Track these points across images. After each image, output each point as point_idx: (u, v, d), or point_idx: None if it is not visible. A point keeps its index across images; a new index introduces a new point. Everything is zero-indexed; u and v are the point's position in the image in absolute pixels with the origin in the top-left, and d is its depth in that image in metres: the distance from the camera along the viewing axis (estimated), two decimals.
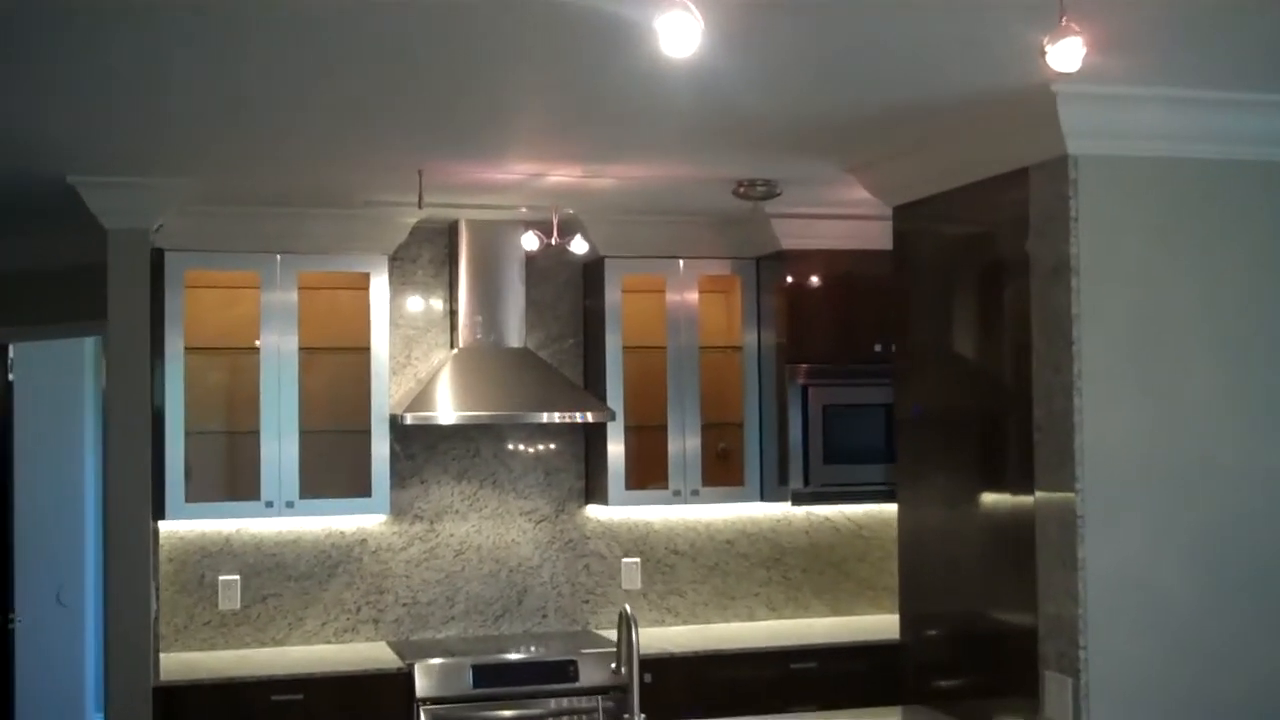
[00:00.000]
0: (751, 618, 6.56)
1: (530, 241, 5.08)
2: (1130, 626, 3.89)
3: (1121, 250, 3.94)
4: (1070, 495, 3.88)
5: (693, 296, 6.22)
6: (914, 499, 4.79)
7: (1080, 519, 3.86)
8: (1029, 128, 4.00)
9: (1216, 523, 3.99)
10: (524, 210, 5.22)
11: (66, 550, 7.81)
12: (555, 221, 5.12)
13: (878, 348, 6.06)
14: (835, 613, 6.65)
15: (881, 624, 6.41)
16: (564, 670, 5.64)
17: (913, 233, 4.81)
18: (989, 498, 4.36)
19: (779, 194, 5.22)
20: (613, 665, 4.07)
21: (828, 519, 6.66)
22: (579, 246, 5.18)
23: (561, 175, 4.98)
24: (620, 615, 3.98)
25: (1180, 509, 3.96)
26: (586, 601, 6.37)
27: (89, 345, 7.56)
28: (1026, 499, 4.08)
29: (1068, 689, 3.87)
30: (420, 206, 4.92)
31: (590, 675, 5.64)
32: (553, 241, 5.10)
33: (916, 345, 4.81)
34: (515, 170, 4.90)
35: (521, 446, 6.32)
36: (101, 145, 4.53)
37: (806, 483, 6.02)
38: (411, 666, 5.51)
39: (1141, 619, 3.90)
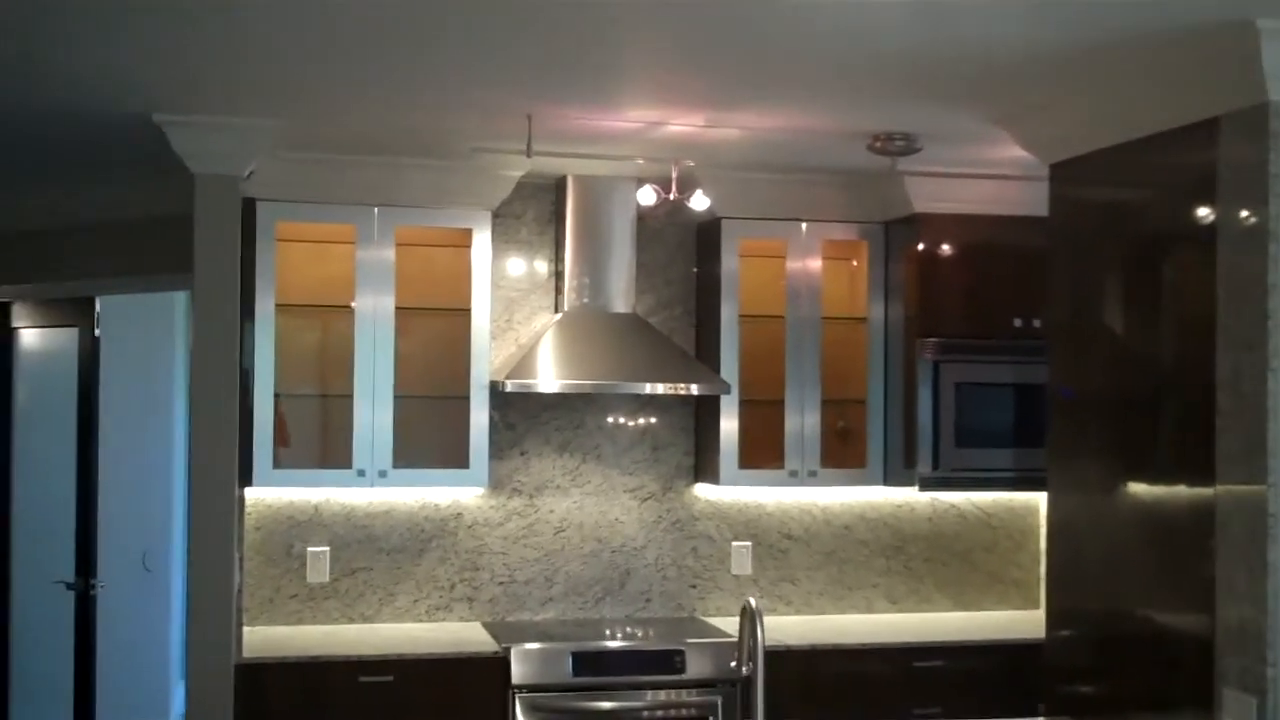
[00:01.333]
0: (869, 609, 6.12)
1: (647, 196, 4.66)
2: None
3: None
4: (1260, 489, 3.41)
5: (815, 263, 5.78)
6: (1066, 487, 4.33)
7: (1272, 517, 3.39)
8: (1222, 70, 3.52)
9: None
10: (640, 162, 4.80)
11: (154, 515, 7.58)
12: (675, 175, 4.69)
13: (1017, 322, 5.61)
14: (960, 607, 6.19)
15: (1011, 621, 5.97)
16: (670, 661, 5.24)
17: (1072, 194, 4.34)
18: (1156, 489, 3.89)
19: (919, 149, 4.76)
20: (733, 662, 3.66)
21: (953, 506, 6.19)
22: (699, 202, 4.76)
23: (681, 124, 4.56)
24: (744, 608, 3.57)
25: None
26: (693, 586, 5.97)
27: (180, 300, 7.29)
28: (1204, 491, 3.61)
29: (1251, 711, 3.40)
30: (529, 155, 4.53)
31: (698, 667, 5.24)
32: (671, 196, 4.68)
33: (1073, 319, 4.34)
34: (631, 117, 4.49)
35: (627, 419, 5.93)
36: (189, 81, 4.18)
37: (935, 466, 5.56)
38: (508, 651, 5.15)
39: None
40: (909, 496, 6.09)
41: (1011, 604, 6.23)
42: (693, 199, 4.74)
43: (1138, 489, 3.95)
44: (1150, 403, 3.92)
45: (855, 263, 6.05)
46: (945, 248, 5.61)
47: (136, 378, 7.18)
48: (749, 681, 3.52)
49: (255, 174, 5.08)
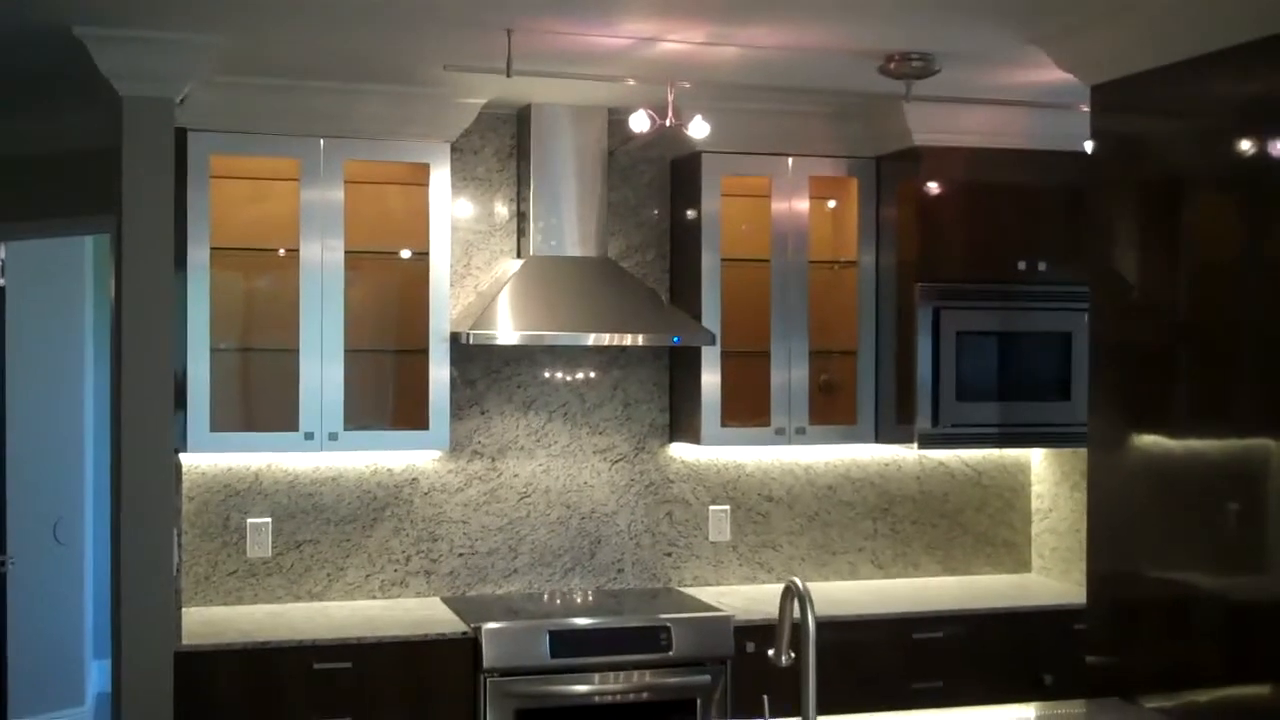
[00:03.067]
0: (854, 576, 5.70)
1: (640, 121, 4.15)
2: None
3: None
4: None
5: (802, 202, 5.31)
6: (1112, 444, 3.90)
7: None
8: None
9: None
10: (631, 82, 4.29)
11: (64, 482, 6.93)
12: (671, 98, 4.18)
13: (1021, 265, 5.20)
14: (948, 571, 5.80)
15: (1007, 586, 5.61)
16: (655, 639, 4.77)
17: (1119, 120, 3.90)
18: (1228, 444, 3.47)
19: (937, 70, 4.31)
20: (770, 651, 3.20)
21: (942, 464, 5.79)
22: (699, 129, 4.25)
23: (677, 40, 4.06)
24: (786, 589, 3.11)
25: None
26: (669, 555, 5.51)
27: (88, 245, 6.63)
28: None
29: None
30: (509, 75, 3.99)
31: (685, 645, 4.78)
32: (668, 122, 4.17)
33: (1120, 259, 3.90)
34: (625, 31, 3.98)
35: (598, 374, 5.43)
36: None
37: (935, 423, 5.14)
38: (478, 630, 4.65)
39: None
40: (897, 454, 5.68)
41: (1003, 567, 5.85)
42: (691, 125, 4.23)
43: (1207, 445, 3.53)
44: (1219, 353, 3.50)
45: (833, 202, 5.59)
46: (946, 184, 5.16)
47: (43, 333, 6.53)
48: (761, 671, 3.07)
49: (187, 100, 4.49)
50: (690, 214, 5.29)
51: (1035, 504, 5.86)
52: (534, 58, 4.20)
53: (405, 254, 5.07)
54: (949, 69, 4.37)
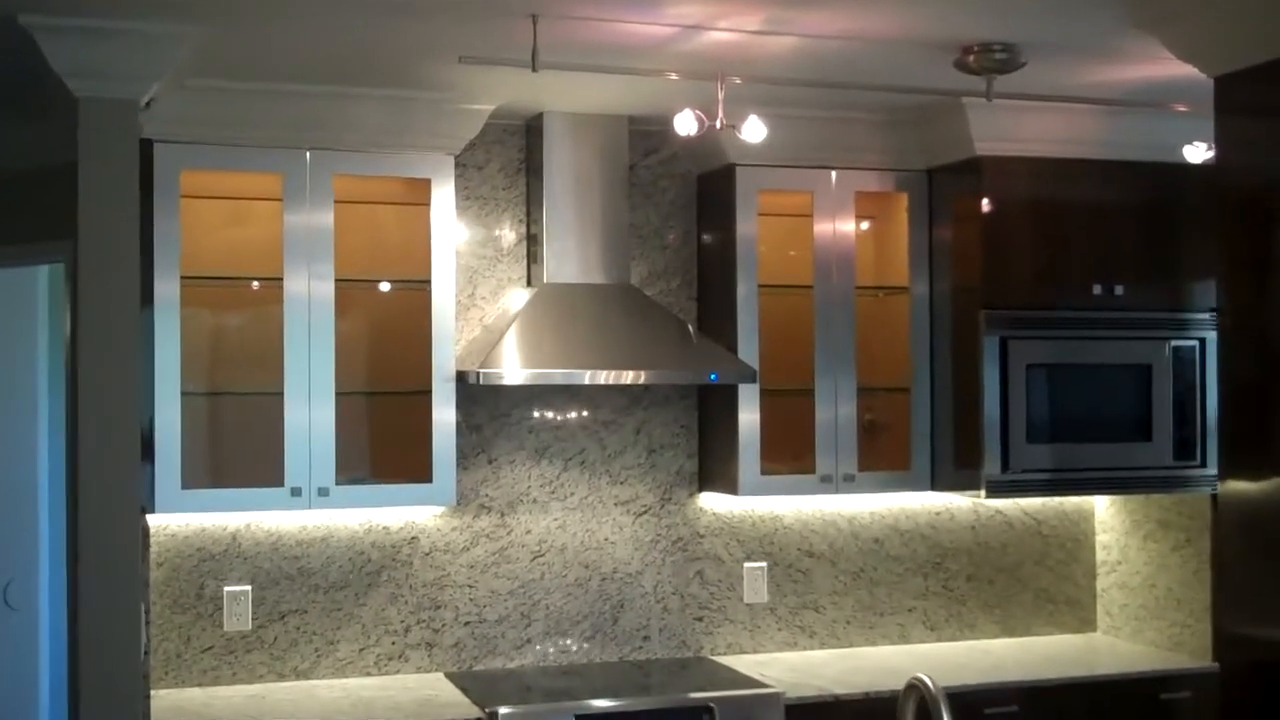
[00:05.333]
0: (905, 639, 5.09)
1: (687, 123, 3.55)
2: None
3: None
4: None
5: (848, 220, 4.73)
6: (1245, 491, 3.32)
7: None
8: None
9: None
10: (674, 76, 3.69)
11: (16, 540, 6.26)
12: (721, 95, 3.59)
13: (1096, 289, 4.63)
14: (1006, 632, 5.20)
15: (1072, 649, 5.07)
16: None
17: (1249, 116, 3.33)
18: None
19: (1023, 64, 3.74)
20: None
21: (999, 512, 5.20)
22: (754, 131, 3.66)
23: (729, 28, 3.48)
24: (909, 687, 2.51)
25: None
26: (700, 619, 4.89)
27: (42, 276, 5.96)
28: None
29: None
30: (534, 68, 3.40)
31: None
32: (719, 123, 3.58)
33: (1250, 284, 3.33)
34: (669, 17, 3.39)
35: (619, 416, 4.83)
36: None
37: (1005, 467, 4.55)
38: (492, 715, 4.02)
39: None
40: (949, 502, 5.09)
41: (1065, 626, 5.26)
42: (745, 126, 3.64)
43: None
44: None
45: (865, 223, 5.01)
46: (1011, 199, 4.59)
47: None
48: None
49: (154, 106, 3.88)
50: (722, 235, 4.70)
51: (1100, 555, 5.28)
52: (559, 50, 3.61)
53: (405, 282, 4.47)
54: (1031, 64, 3.81)
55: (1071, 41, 3.68)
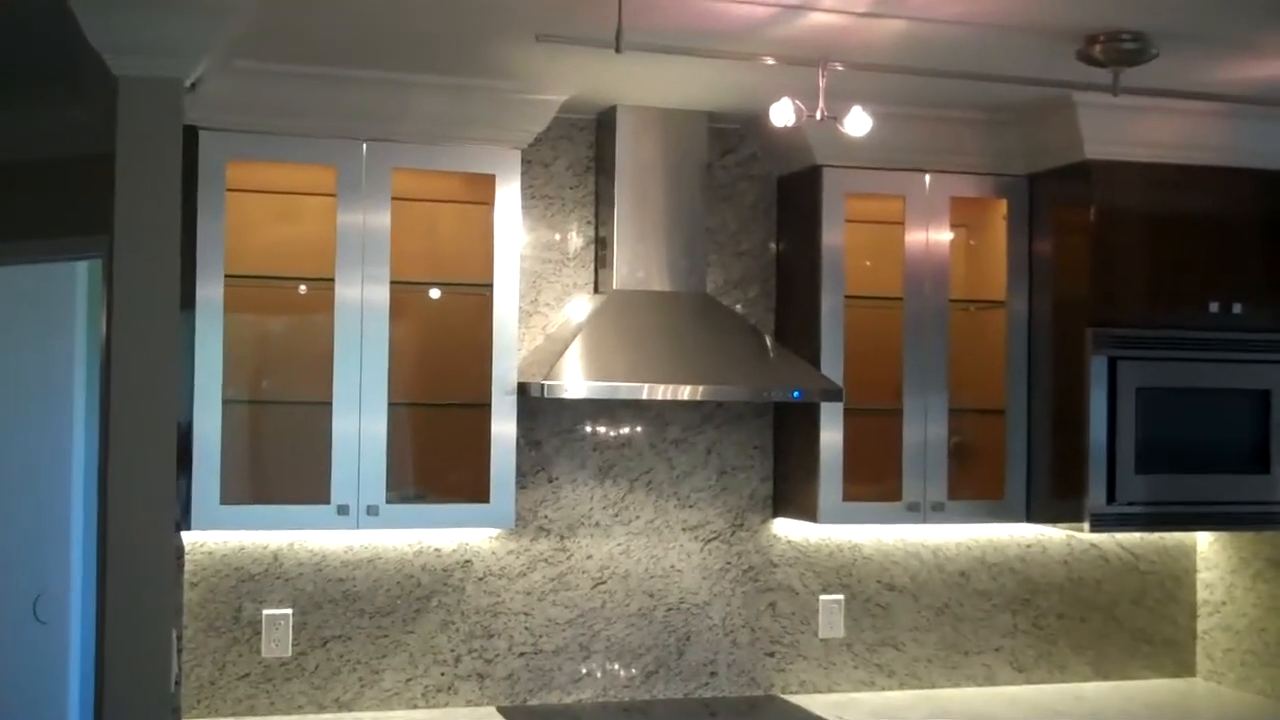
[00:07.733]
0: (991, 681, 4.73)
1: (784, 113, 3.21)
2: None
3: None
4: None
5: (942, 228, 4.39)
6: None
7: None
8: None
9: None
10: (770, 61, 3.35)
11: (48, 549, 5.99)
12: (823, 83, 3.25)
13: (1213, 307, 4.27)
14: (1099, 675, 4.83)
15: (1171, 694, 4.71)
16: None
17: None
18: None
19: (1154, 55, 3.39)
20: None
21: (1094, 545, 4.83)
22: (859, 124, 3.31)
23: (832, 9, 3.15)
24: None
25: None
26: (771, 655, 4.54)
27: (81, 273, 5.68)
28: None
29: None
30: (619, 49, 3.07)
31: None
32: (819, 115, 3.24)
33: None
34: None
35: (688, 434, 4.49)
36: None
37: (1111, 499, 4.19)
38: None
39: None
40: (1041, 534, 4.73)
41: (1162, 670, 4.88)
42: (848, 118, 3.29)
43: None
44: None
45: (966, 228, 4.67)
46: (1123, 207, 4.23)
47: (23, 375, 5.61)
48: None
49: (199, 89, 3.58)
50: (804, 242, 4.36)
51: (1203, 594, 4.90)
52: (643, 32, 3.28)
53: (465, 285, 4.15)
54: (1161, 58, 3.46)
55: (1206, 32, 3.33)
